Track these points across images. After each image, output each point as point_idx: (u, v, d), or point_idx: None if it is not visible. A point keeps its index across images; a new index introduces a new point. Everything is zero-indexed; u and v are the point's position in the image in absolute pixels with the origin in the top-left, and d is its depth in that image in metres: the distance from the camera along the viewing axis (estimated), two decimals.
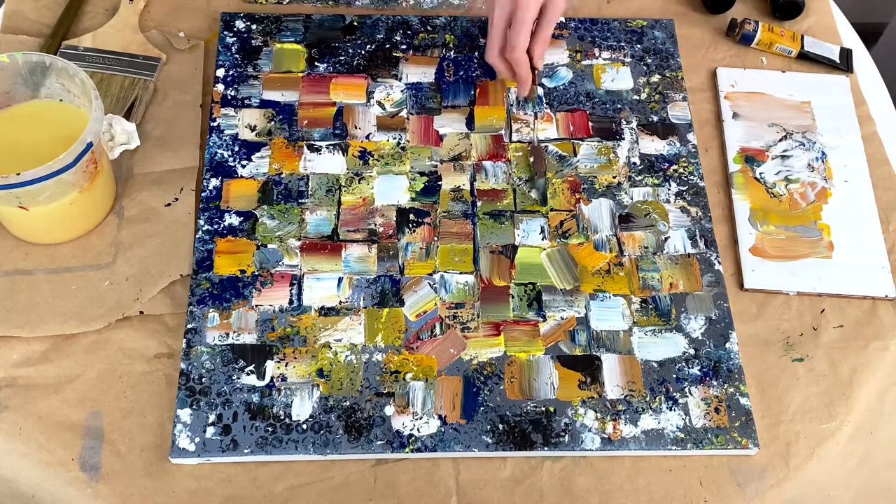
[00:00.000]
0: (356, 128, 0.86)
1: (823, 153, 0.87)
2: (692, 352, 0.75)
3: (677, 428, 0.72)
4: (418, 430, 0.70)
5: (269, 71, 0.88)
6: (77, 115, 0.76)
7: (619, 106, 0.89)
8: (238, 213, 0.80)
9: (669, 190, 0.84)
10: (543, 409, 0.72)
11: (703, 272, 0.79)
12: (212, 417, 0.70)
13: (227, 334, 0.74)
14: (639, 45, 0.93)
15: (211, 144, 0.83)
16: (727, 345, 0.76)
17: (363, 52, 0.90)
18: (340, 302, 0.76)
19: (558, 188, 0.83)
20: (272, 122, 0.85)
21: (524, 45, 0.79)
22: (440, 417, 0.71)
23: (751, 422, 0.72)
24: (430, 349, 0.74)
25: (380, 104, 0.87)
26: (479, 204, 0.82)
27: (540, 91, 0.89)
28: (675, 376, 0.74)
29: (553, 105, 0.88)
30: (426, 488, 0.69)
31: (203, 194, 0.81)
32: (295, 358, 0.73)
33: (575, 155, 0.85)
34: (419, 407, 0.71)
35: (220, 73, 0.88)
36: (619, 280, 0.78)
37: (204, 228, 0.79)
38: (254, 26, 0.91)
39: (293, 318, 0.75)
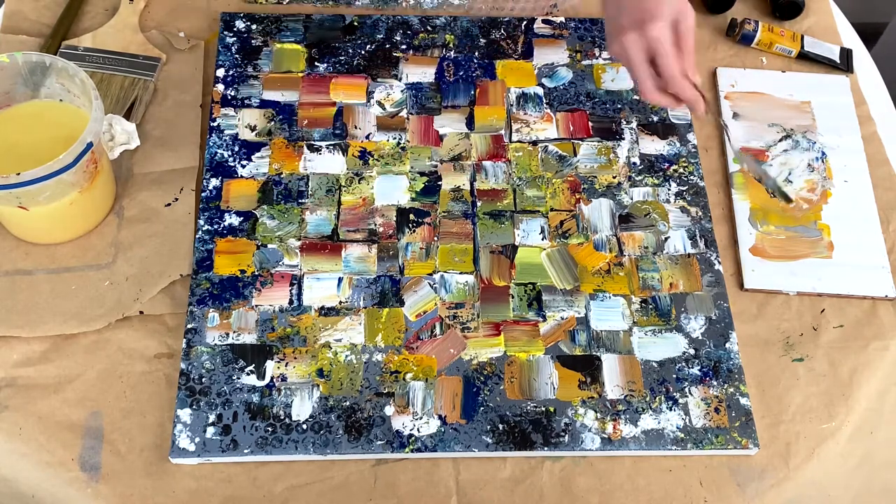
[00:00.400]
0: (356, 128, 0.86)
1: (823, 153, 0.87)
2: (692, 352, 0.75)
3: (677, 428, 0.72)
4: (418, 430, 0.70)
5: (269, 71, 0.88)
6: (77, 115, 0.76)
7: (619, 106, 0.89)
8: (238, 213, 0.80)
9: (669, 190, 0.84)
10: (543, 409, 0.72)
11: (703, 272, 0.79)
12: (212, 417, 0.70)
13: (227, 334, 0.74)
14: None
15: (211, 144, 0.83)
16: (727, 345, 0.76)
17: (363, 52, 0.90)
18: (340, 302, 0.76)
19: (558, 188, 0.83)
20: (272, 122, 0.85)
21: (680, 71, 0.76)
22: (440, 417, 0.71)
23: (751, 422, 0.72)
24: (430, 349, 0.74)
25: (380, 104, 0.87)
26: (479, 204, 0.82)
27: (540, 91, 0.89)
28: (675, 376, 0.74)
29: (553, 105, 0.88)
30: (426, 488, 0.69)
31: (203, 194, 0.81)
32: (295, 358, 0.73)
33: (575, 155, 0.85)
34: (419, 407, 0.71)
35: (220, 73, 0.88)
36: (619, 280, 0.78)
37: (204, 228, 0.79)
38: (254, 26, 0.91)
39: (293, 318, 0.75)
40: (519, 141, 0.86)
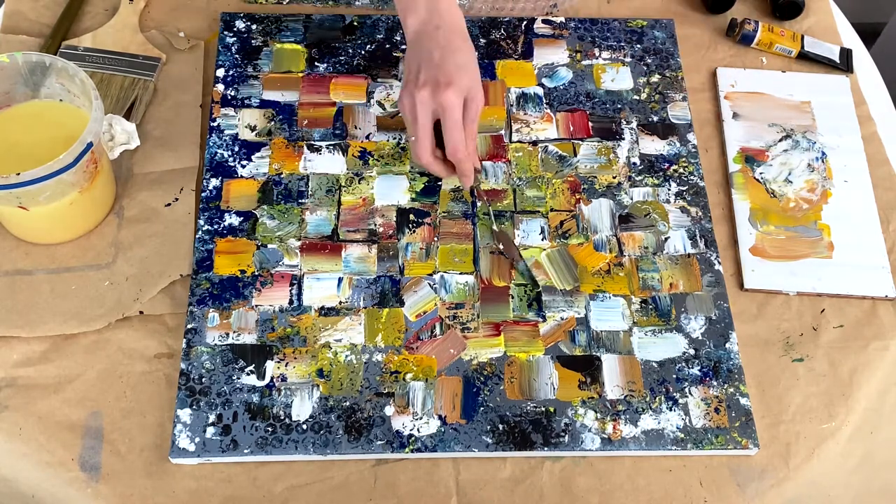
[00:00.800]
0: (356, 128, 0.86)
1: (823, 153, 0.87)
2: (692, 352, 0.75)
3: (677, 428, 0.72)
4: (418, 430, 0.70)
5: (269, 71, 0.88)
6: (77, 115, 0.76)
7: (619, 106, 0.89)
8: (238, 213, 0.80)
9: (669, 190, 0.84)
10: (543, 409, 0.72)
11: (703, 272, 0.79)
12: (212, 417, 0.70)
13: (227, 334, 0.74)
14: (639, 45, 0.93)
15: (211, 144, 0.83)
16: (727, 345, 0.76)
17: (363, 52, 0.90)
18: (340, 302, 0.76)
19: (558, 188, 0.83)
20: (272, 122, 0.85)
21: (462, 143, 0.74)
22: (440, 417, 0.71)
23: (751, 422, 0.72)
24: (430, 349, 0.74)
25: (380, 104, 0.87)
26: (479, 204, 0.82)
27: (540, 91, 0.89)
28: (675, 376, 0.74)
29: (553, 105, 0.88)
30: (426, 488, 0.69)
31: (203, 194, 0.81)
32: (295, 358, 0.73)
33: (575, 155, 0.85)
34: (419, 407, 0.71)
35: (220, 73, 0.88)
36: (619, 280, 0.78)
37: (204, 228, 0.79)
38: (254, 26, 0.91)
39: (293, 318, 0.75)
40: (519, 141, 0.86)
